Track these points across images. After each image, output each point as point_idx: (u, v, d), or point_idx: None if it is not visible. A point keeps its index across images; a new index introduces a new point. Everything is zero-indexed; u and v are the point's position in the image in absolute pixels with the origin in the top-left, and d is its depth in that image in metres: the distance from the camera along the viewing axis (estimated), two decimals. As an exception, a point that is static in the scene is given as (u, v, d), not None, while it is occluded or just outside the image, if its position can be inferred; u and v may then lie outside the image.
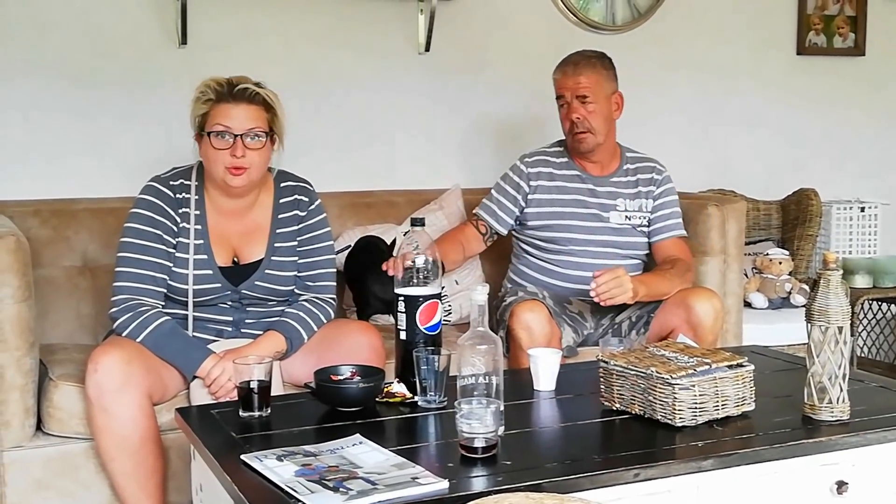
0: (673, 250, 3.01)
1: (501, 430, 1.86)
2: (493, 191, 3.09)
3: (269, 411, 2.04)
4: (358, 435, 1.87)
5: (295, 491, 1.59)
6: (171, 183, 2.55)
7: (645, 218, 3.03)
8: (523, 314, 2.71)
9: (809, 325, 2.00)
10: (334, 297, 2.66)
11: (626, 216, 3.01)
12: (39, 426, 2.50)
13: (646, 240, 3.03)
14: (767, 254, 3.87)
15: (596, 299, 2.66)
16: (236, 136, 2.44)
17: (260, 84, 2.51)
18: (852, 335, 3.83)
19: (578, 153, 3.02)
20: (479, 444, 1.75)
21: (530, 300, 2.80)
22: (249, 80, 2.50)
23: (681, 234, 3.06)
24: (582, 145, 2.97)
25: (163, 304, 2.49)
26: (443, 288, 2.83)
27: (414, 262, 2.17)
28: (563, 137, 3.08)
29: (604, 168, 3.05)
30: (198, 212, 2.54)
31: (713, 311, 2.75)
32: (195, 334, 2.52)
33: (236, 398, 2.07)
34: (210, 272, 2.52)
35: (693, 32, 4.05)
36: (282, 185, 2.63)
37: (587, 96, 2.94)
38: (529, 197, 3.02)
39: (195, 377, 2.42)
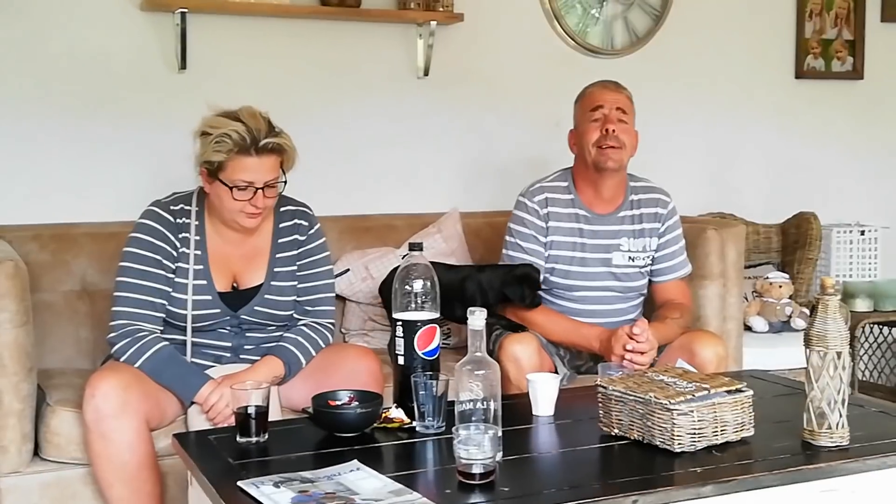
0: (674, 293, 2.94)
1: (499, 455, 1.85)
2: (517, 241, 2.88)
3: (266, 437, 2.03)
4: (355, 461, 1.86)
5: (291, 518, 1.59)
6: (172, 208, 2.55)
7: (649, 257, 2.93)
8: (511, 346, 2.65)
9: (808, 350, 1.99)
10: (333, 321, 2.66)
11: (630, 257, 2.90)
12: (37, 452, 2.50)
13: (647, 279, 2.96)
14: (767, 277, 3.87)
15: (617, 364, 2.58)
16: (257, 188, 2.43)
17: (272, 124, 2.46)
18: (853, 359, 3.83)
19: (598, 171, 2.84)
20: (477, 470, 1.74)
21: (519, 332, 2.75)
22: (261, 119, 2.44)
23: (684, 273, 3.00)
24: (609, 161, 2.81)
25: (161, 329, 2.49)
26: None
27: (412, 286, 2.17)
28: (564, 167, 2.99)
29: (610, 204, 2.91)
30: (198, 237, 2.54)
31: (717, 358, 2.69)
32: (193, 360, 2.52)
33: (234, 424, 2.07)
34: (209, 298, 2.52)
35: (691, 57, 4.07)
36: (282, 209, 2.63)
37: (626, 112, 2.85)
38: (548, 236, 2.89)
39: (193, 403, 2.41)
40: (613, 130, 2.81)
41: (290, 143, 2.48)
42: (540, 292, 2.81)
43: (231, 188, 2.42)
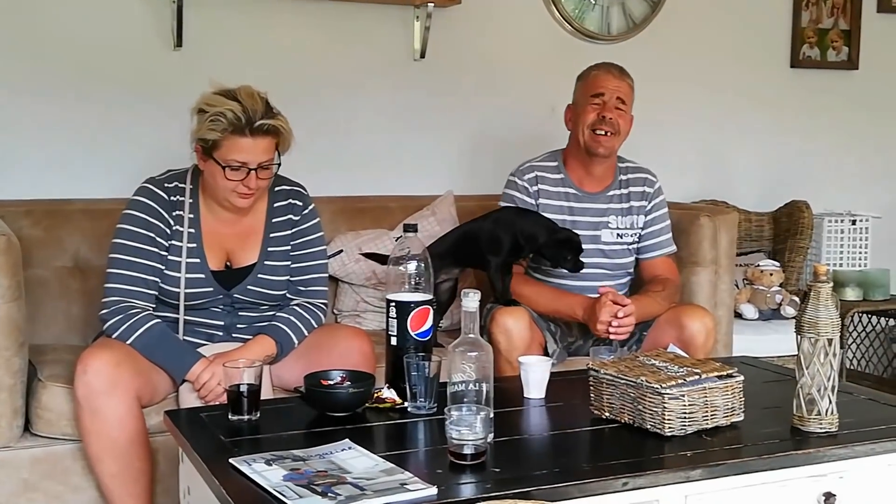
0: (661, 269, 2.99)
1: (491, 437, 1.86)
2: None
3: (258, 415, 2.04)
4: (347, 440, 1.87)
5: (283, 495, 1.59)
6: (166, 185, 2.54)
7: (636, 234, 2.99)
8: (503, 318, 2.70)
9: (799, 336, 2.00)
10: (326, 301, 2.66)
11: (618, 234, 2.96)
12: (27, 427, 2.50)
13: (634, 257, 3.01)
14: (758, 265, 3.88)
15: (603, 331, 2.68)
16: (251, 169, 2.43)
17: (270, 105, 2.45)
18: (842, 347, 3.85)
19: (589, 156, 2.90)
20: (468, 450, 1.75)
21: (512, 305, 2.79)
22: (258, 99, 2.42)
23: (670, 251, 3.04)
24: (601, 148, 2.87)
25: (154, 306, 2.49)
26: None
27: (406, 268, 2.17)
28: (555, 149, 3.04)
29: (599, 183, 2.98)
30: (192, 215, 2.54)
31: (705, 330, 2.74)
32: (186, 338, 2.51)
33: (225, 402, 2.07)
34: (202, 276, 2.51)
35: (687, 44, 4.07)
36: (276, 189, 2.63)
37: (625, 102, 2.90)
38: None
39: (185, 381, 2.41)
40: (612, 117, 2.87)
41: (286, 126, 2.47)
42: (581, 258, 2.83)
43: (224, 167, 2.41)
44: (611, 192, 2.99)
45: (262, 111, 2.41)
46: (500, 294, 2.85)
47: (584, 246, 2.90)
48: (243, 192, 2.45)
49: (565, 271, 2.89)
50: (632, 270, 3.03)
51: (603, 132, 2.87)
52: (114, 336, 2.40)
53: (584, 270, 2.90)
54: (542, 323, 2.88)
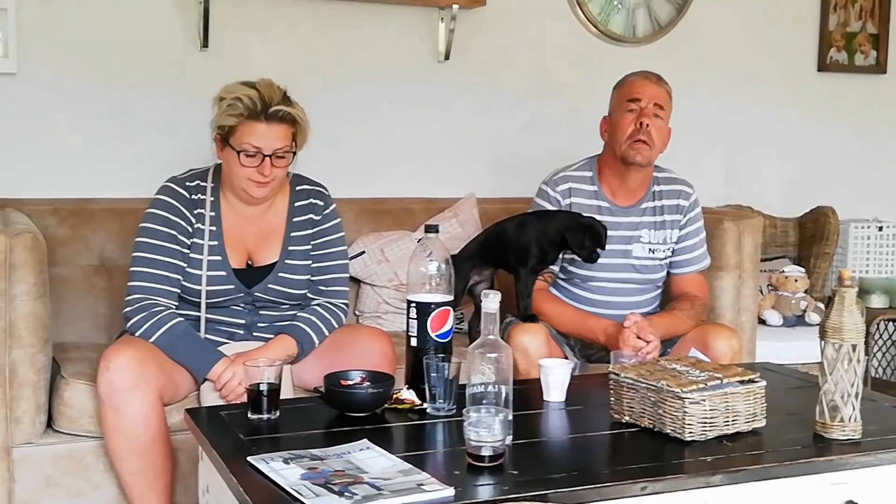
0: (691, 286, 2.92)
1: (509, 439, 1.85)
2: None
3: (277, 414, 2.04)
4: (365, 440, 1.87)
5: (300, 494, 1.59)
6: (188, 184, 2.56)
7: (669, 249, 2.91)
8: (519, 336, 2.64)
9: (823, 342, 1.98)
10: (347, 301, 2.66)
11: (650, 249, 2.88)
12: (50, 423, 2.52)
13: (666, 271, 2.94)
14: (783, 271, 3.85)
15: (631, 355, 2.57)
16: (265, 155, 2.44)
17: (287, 96, 2.49)
18: (867, 355, 3.81)
19: (626, 165, 2.81)
20: (486, 452, 1.74)
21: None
22: (276, 89, 2.47)
23: (702, 266, 2.97)
24: (638, 155, 2.77)
25: (176, 304, 2.50)
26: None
27: (427, 268, 2.17)
28: (590, 156, 2.96)
29: (632, 196, 2.89)
30: (213, 213, 2.55)
31: (731, 352, 2.67)
32: (207, 336, 2.53)
33: (246, 401, 2.08)
34: (223, 274, 2.53)
35: (713, 47, 4.05)
36: (297, 188, 2.64)
37: (663, 108, 2.82)
38: None
39: (206, 379, 2.42)
40: (647, 125, 2.77)
41: (303, 116, 2.49)
42: (599, 250, 2.75)
43: (239, 153, 2.43)
44: (643, 205, 2.90)
45: (279, 99, 2.44)
46: (523, 308, 2.80)
47: (615, 261, 2.85)
48: (259, 179, 2.46)
49: (593, 284, 2.86)
50: (661, 284, 2.97)
51: (640, 140, 2.77)
52: (137, 334, 2.41)
53: (613, 285, 2.86)
54: (561, 338, 2.84)
